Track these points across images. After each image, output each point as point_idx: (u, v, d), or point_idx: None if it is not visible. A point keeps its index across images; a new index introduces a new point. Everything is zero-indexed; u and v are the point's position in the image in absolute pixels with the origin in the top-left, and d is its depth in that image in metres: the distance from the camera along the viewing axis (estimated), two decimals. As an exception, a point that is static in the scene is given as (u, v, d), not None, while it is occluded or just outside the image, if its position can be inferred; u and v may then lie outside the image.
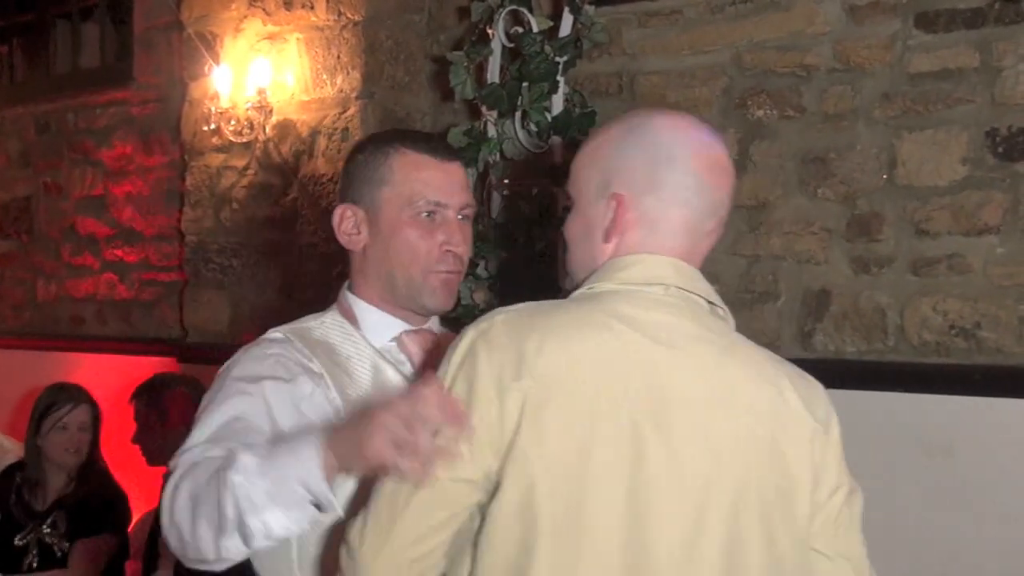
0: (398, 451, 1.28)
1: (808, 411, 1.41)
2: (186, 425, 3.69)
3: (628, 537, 1.32)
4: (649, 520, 1.32)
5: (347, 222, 1.78)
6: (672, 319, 1.40)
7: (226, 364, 1.74)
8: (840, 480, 1.43)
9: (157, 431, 3.59)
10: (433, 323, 1.86)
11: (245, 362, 1.72)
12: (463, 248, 1.78)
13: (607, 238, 1.47)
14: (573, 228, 1.52)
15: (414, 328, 1.81)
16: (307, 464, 1.36)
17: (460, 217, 1.78)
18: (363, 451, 1.31)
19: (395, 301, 1.78)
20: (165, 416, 3.59)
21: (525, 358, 1.34)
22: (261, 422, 1.60)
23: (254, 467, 1.39)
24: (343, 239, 1.79)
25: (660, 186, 1.44)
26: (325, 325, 1.80)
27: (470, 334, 1.39)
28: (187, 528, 1.44)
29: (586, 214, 1.50)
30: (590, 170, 1.50)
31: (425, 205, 1.74)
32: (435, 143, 1.82)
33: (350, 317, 1.80)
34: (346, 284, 1.84)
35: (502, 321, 1.39)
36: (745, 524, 1.35)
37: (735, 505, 1.35)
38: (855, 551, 1.45)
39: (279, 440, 1.52)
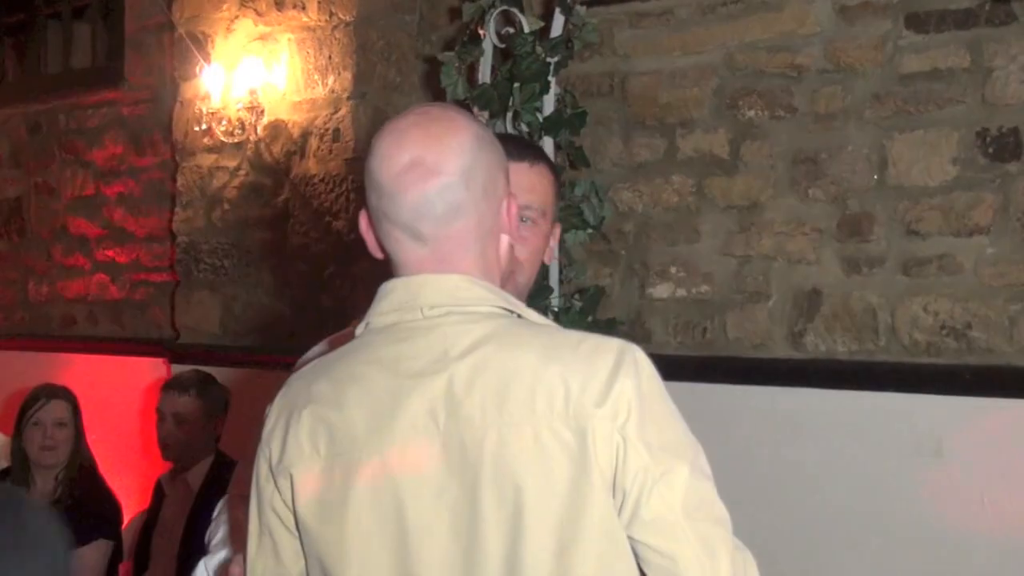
0: None
1: (587, 398, 1.28)
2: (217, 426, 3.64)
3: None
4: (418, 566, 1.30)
5: None
6: (418, 345, 1.34)
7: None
8: (640, 463, 1.27)
9: (197, 425, 3.56)
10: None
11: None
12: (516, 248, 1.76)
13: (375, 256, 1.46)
14: None
15: None
16: None
17: (521, 219, 1.76)
18: None
19: None
20: (211, 415, 3.56)
21: (288, 436, 1.36)
22: None
23: None
24: None
25: (370, 202, 1.41)
26: None
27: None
28: None
29: None
30: None
31: None
32: (513, 144, 1.81)
33: None
34: None
35: (275, 402, 1.41)
36: (528, 537, 1.27)
37: (512, 520, 1.27)
38: (678, 548, 1.28)
39: None
